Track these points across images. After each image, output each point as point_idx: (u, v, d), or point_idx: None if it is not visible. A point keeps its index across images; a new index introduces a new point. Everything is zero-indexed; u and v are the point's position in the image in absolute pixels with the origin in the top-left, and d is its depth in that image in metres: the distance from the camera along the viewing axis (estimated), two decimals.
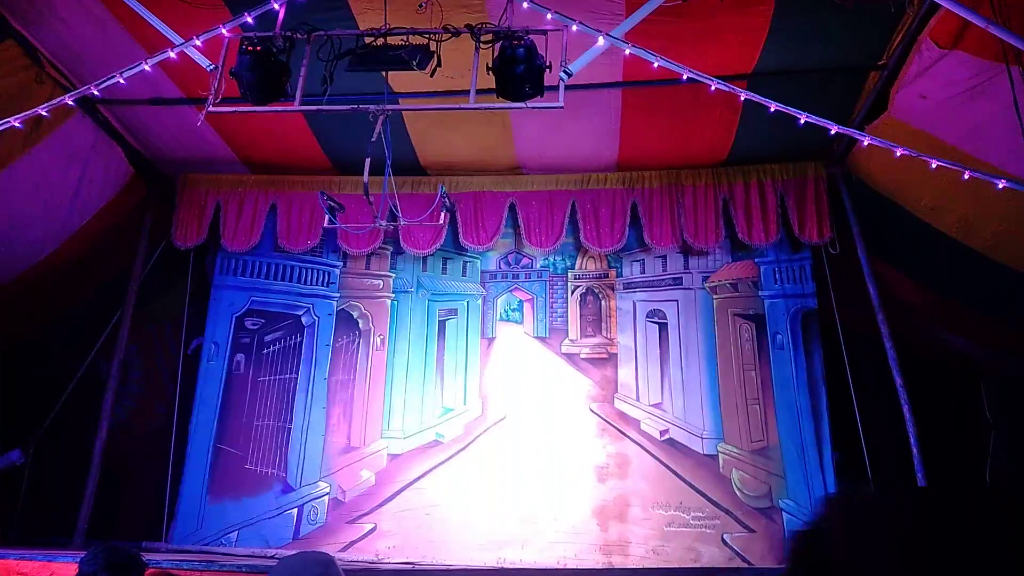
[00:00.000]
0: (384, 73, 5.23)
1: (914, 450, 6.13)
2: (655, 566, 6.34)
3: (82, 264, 7.12)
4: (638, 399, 7.05)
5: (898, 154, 4.65)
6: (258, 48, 4.46)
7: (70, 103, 5.31)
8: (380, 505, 6.82)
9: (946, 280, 6.75)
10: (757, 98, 4.52)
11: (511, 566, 6.33)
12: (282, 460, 7.04)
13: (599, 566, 6.39)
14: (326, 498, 6.89)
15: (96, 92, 4.91)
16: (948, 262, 6.36)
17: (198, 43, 4.63)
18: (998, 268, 5.95)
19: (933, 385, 6.98)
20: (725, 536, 6.46)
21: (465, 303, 7.56)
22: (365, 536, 6.68)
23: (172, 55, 4.66)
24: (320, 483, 6.95)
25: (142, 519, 6.89)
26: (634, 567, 6.38)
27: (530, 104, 4.51)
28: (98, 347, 7.45)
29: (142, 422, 7.89)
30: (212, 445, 7.05)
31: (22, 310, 6.95)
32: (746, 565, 6.31)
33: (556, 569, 6.26)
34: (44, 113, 5.08)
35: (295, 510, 6.86)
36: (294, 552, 5.55)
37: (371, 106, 4.83)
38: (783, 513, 6.49)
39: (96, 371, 7.41)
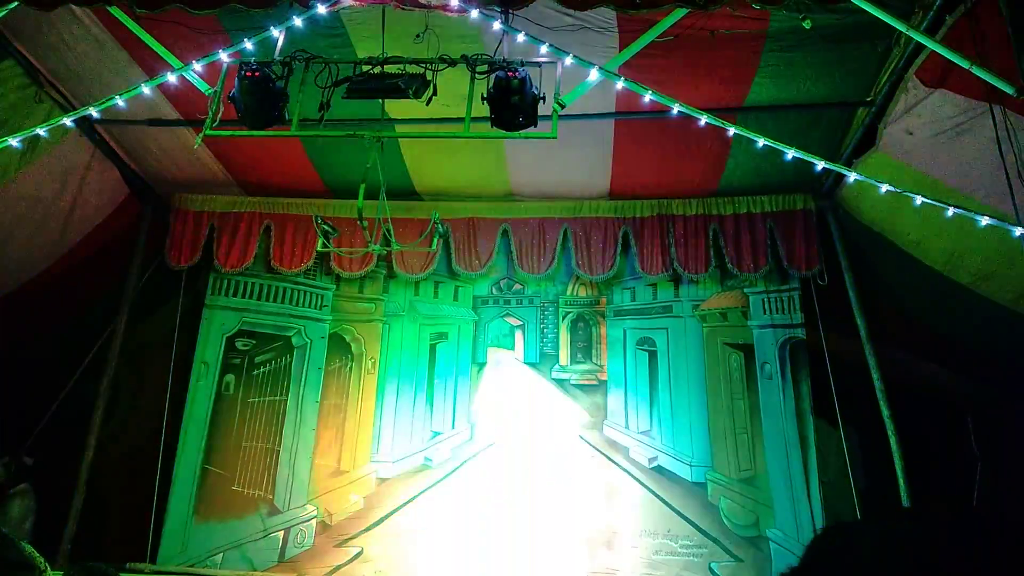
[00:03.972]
0: (381, 100, 5.30)
1: (901, 481, 6.17)
2: None
3: (75, 282, 7.13)
4: (627, 426, 7.07)
5: (883, 190, 4.73)
6: (256, 74, 4.52)
7: (68, 123, 5.37)
8: (368, 529, 6.79)
9: (933, 313, 6.82)
10: (746, 133, 4.60)
11: None
12: (270, 482, 7.01)
13: None
14: (313, 521, 6.86)
15: (95, 113, 4.97)
16: (935, 295, 6.43)
17: (197, 67, 4.71)
18: (983, 302, 6.02)
19: (920, 416, 7.02)
20: (713, 565, 6.46)
21: (456, 327, 7.59)
22: (352, 560, 6.65)
23: (171, 78, 4.73)
24: (308, 506, 6.92)
25: (127, 539, 6.83)
26: None
27: (524, 133, 4.59)
28: (86, 364, 7.43)
29: (129, 441, 7.84)
30: (199, 465, 7.01)
31: (13, 326, 6.94)
32: None
33: None
34: (42, 133, 5.13)
35: (281, 532, 6.82)
36: None
37: (366, 133, 4.89)
38: (770, 542, 6.50)
39: (84, 389, 7.38)
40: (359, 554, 6.68)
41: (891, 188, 4.70)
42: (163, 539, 6.71)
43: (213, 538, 6.78)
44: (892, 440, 6.32)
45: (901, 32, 4.18)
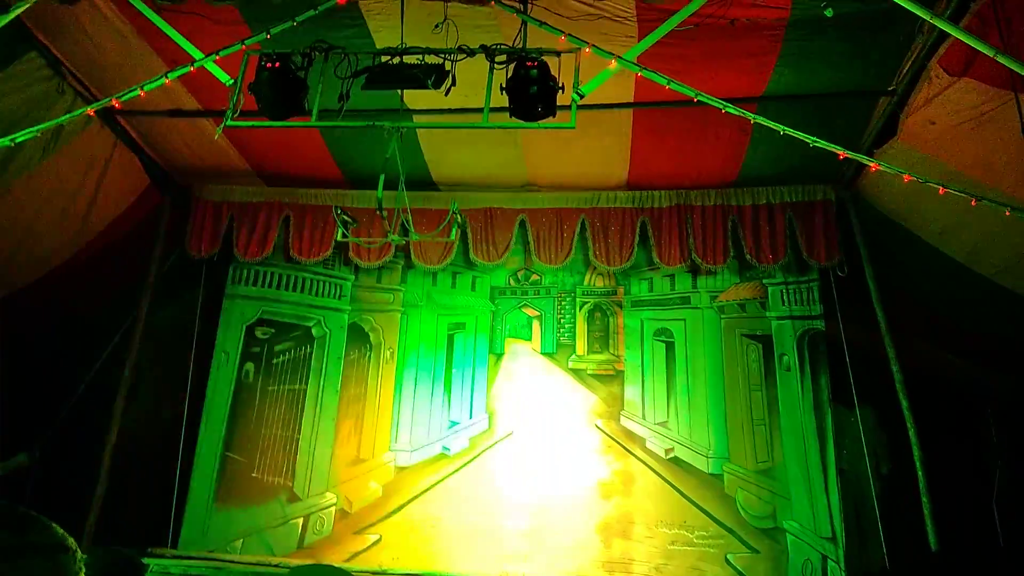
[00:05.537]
0: (399, 90, 5.31)
1: (919, 473, 6.13)
2: None
3: (96, 271, 7.22)
4: (644, 417, 7.08)
5: (906, 180, 4.68)
6: (276, 64, 4.55)
7: (90, 114, 5.43)
8: (386, 517, 6.86)
9: (954, 305, 6.76)
10: (767, 123, 4.56)
11: None
12: (289, 469, 7.09)
13: None
14: (332, 509, 6.93)
15: (116, 104, 5.01)
16: (956, 287, 6.37)
17: (218, 58, 4.73)
18: (1006, 294, 5.96)
19: (940, 409, 6.97)
20: (729, 556, 6.46)
21: (474, 318, 7.61)
22: (370, 547, 6.72)
23: (192, 69, 4.76)
24: (327, 494, 6.99)
25: (148, 524, 6.93)
26: None
27: (542, 123, 4.58)
28: (108, 353, 7.53)
29: (150, 428, 7.94)
30: (220, 453, 7.10)
31: (36, 314, 7.05)
32: None
33: None
34: (65, 124, 5.19)
35: (301, 519, 6.90)
36: (310, 564, 5.59)
37: (386, 123, 4.90)
38: (787, 534, 6.49)
39: (106, 376, 7.48)
40: (378, 541, 6.75)
41: (915, 177, 4.65)
42: (184, 525, 6.81)
43: (233, 524, 6.88)
44: (911, 432, 6.28)
45: (925, 20, 4.12)
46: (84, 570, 1.66)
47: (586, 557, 6.53)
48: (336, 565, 6.06)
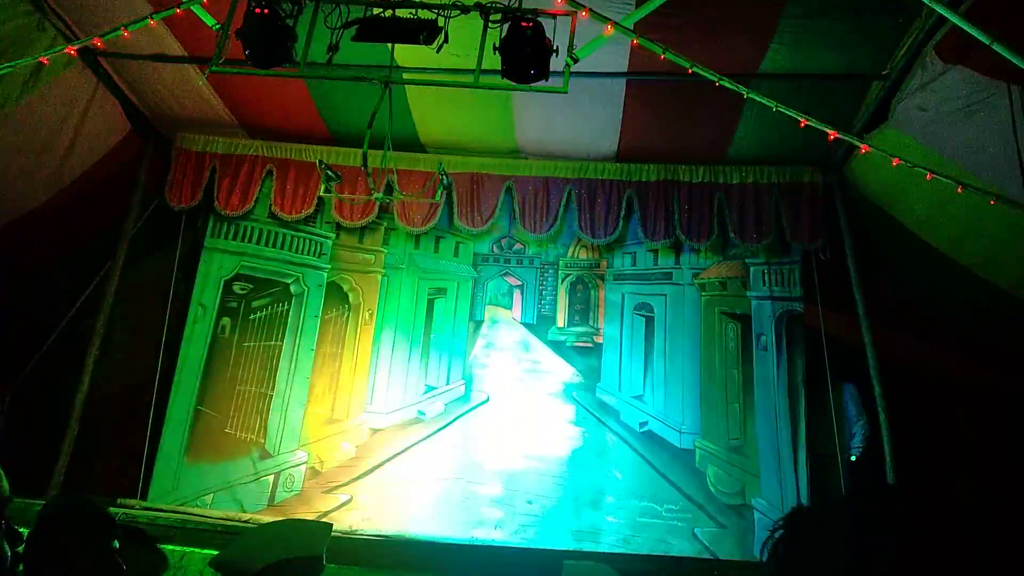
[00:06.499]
0: (390, 46, 5.22)
1: (887, 457, 6.22)
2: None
3: (72, 217, 7.07)
4: (620, 390, 7.11)
5: (895, 163, 4.69)
6: (266, 11, 4.44)
7: (71, 53, 5.28)
8: (358, 478, 6.86)
9: (933, 294, 6.82)
10: (760, 98, 4.54)
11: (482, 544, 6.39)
12: (261, 426, 7.04)
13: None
14: (303, 467, 6.92)
15: (99, 43, 4.88)
16: (937, 277, 6.42)
17: (205, 1, 4.61)
18: (985, 285, 6.01)
19: (913, 395, 7.07)
20: (696, 530, 6.54)
21: (455, 283, 7.58)
22: (340, 506, 6.72)
23: (178, 11, 4.64)
24: (298, 452, 6.97)
25: (118, 476, 6.89)
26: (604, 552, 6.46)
27: (534, 87, 4.52)
28: (82, 302, 7.42)
29: (123, 379, 7.86)
30: (193, 406, 7.04)
31: (8, 260, 6.91)
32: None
33: (526, 548, 6.32)
34: (45, 61, 5.04)
35: (271, 476, 6.88)
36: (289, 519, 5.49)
37: (374, 78, 4.82)
38: (755, 511, 6.57)
39: (80, 325, 7.37)
40: (348, 501, 6.75)
41: (904, 162, 4.66)
42: (154, 477, 6.76)
43: (204, 479, 6.83)
44: (882, 417, 6.35)
45: (924, 4, 4.09)
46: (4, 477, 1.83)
47: (556, 525, 6.58)
48: (312, 519, 6.07)
